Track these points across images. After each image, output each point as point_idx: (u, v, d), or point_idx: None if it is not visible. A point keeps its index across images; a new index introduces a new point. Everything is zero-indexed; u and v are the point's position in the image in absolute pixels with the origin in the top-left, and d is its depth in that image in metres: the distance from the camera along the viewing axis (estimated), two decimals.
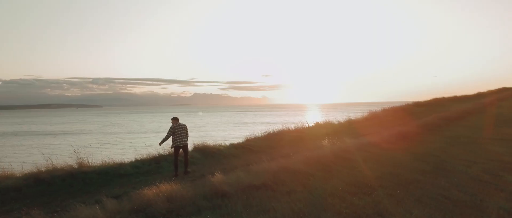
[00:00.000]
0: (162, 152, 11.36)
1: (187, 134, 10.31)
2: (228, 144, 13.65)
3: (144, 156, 10.82)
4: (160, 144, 9.93)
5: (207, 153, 11.91)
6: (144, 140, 41.35)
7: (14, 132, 59.36)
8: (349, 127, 17.60)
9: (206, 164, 11.05)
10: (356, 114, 23.29)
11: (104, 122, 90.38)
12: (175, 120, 10.46)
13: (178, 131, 10.22)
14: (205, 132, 50.79)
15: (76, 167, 8.93)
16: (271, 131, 16.11)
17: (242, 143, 14.04)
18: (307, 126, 18.23)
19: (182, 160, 10.44)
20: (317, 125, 18.56)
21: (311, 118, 74.80)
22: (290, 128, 16.78)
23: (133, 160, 10.42)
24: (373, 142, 10.89)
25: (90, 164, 9.42)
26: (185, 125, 10.37)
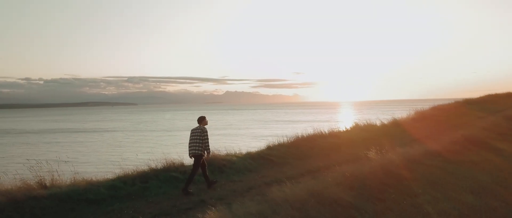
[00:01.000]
0: (154, 165, 8.87)
1: (203, 139, 8.18)
2: (244, 153, 11.16)
3: (130, 172, 8.37)
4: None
5: (214, 166, 9.46)
6: (175, 137, 40.26)
7: (51, 129, 60.52)
8: (396, 130, 14.88)
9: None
10: (396, 113, 20.45)
11: (137, 119, 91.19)
12: (198, 120, 8.60)
13: (191, 136, 8.36)
14: (236, 130, 49.08)
15: (35, 187, 6.61)
16: (299, 135, 13.21)
17: (262, 151, 11.38)
18: (343, 128, 15.37)
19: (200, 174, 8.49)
20: (356, 127, 15.67)
21: (346, 117, 71.25)
22: (322, 132, 13.79)
23: (115, 176, 8.02)
24: (433, 151, 8.32)
25: (54, 183, 7.06)
26: (201, 128, 8.34)
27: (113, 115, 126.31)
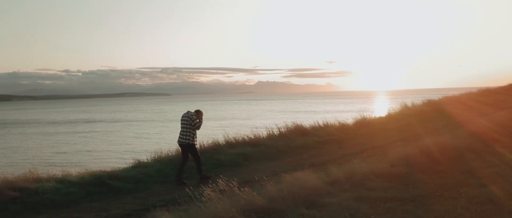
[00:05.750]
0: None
1: (191, 126, 7.93)
2: (82, 172, 7.65)
3: None
4: None
5: None
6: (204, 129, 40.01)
7: (87, 119, 62.69)
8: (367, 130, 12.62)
9: None
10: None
11: (168, 109, 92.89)
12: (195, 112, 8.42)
13: (180, 124, 8.14)
14: (260, 120, 48.29)
15: None
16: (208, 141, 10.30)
17: (103, 174, 7.67)
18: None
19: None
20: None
21: (376, 107, 68.82)
22: (304, 125, 11.49)
23: None
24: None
25: None
26: (189, 114, 8.08)
27: (146, 106, 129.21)
